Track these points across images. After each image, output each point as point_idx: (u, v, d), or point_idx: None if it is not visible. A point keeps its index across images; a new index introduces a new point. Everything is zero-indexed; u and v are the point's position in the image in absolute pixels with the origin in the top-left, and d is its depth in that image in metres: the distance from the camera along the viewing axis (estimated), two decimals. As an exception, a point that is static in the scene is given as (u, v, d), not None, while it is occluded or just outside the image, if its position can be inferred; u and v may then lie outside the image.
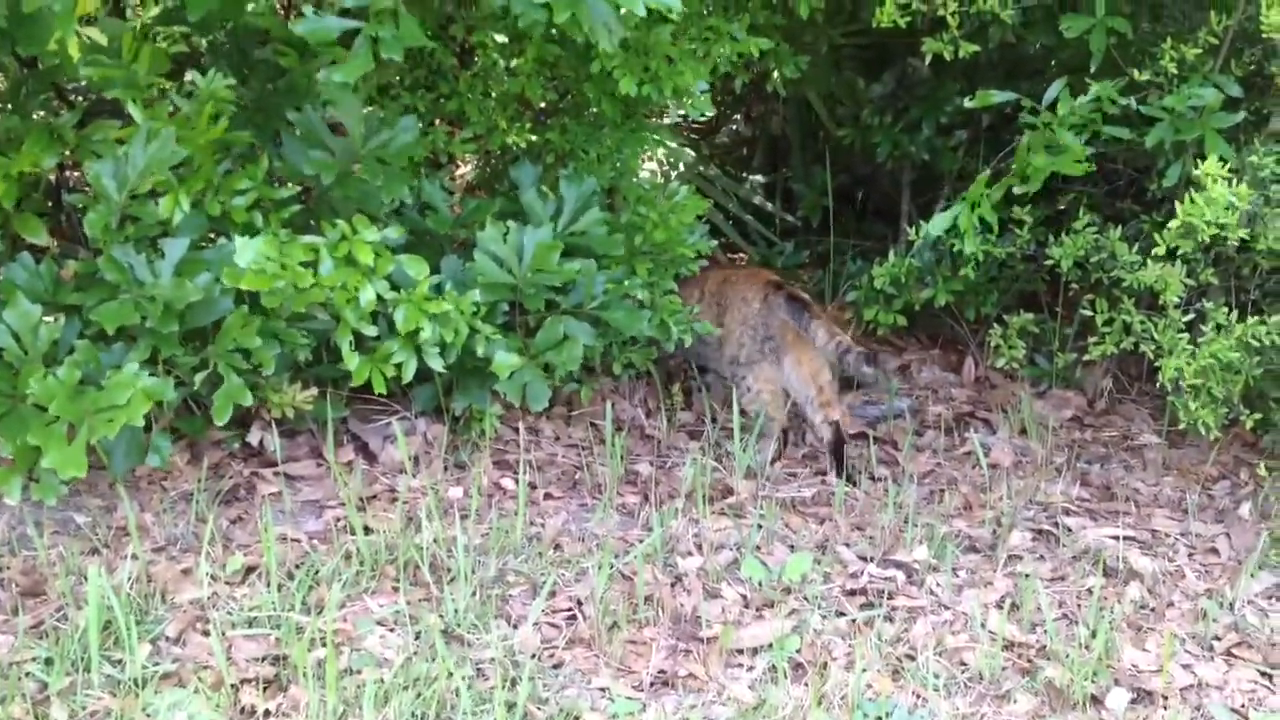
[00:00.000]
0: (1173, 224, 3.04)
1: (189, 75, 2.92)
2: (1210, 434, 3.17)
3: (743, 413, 3.36)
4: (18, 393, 2.64)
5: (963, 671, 2.54)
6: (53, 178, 3.31)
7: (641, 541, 2.87)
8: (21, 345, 2.67)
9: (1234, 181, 2.97)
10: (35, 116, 3.01)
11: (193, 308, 2.77)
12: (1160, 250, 3.13)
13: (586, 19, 2.46)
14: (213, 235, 2.96)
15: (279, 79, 3.15)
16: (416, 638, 2.49)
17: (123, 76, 2.81)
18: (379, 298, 2.88)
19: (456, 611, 2.57)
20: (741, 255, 4.59)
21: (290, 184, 3.00)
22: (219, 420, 2.81)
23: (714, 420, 3.47)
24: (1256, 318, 3.08)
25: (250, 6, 3.05)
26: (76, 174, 3.86)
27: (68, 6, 2.39)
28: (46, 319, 2.71)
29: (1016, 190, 3.34)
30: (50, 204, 3.31)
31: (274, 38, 3.20)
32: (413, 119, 3.05)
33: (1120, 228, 3.37)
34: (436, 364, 2.97)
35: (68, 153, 2.95)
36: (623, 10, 2.47)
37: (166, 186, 2.81)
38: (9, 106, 3.02)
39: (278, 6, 3.66)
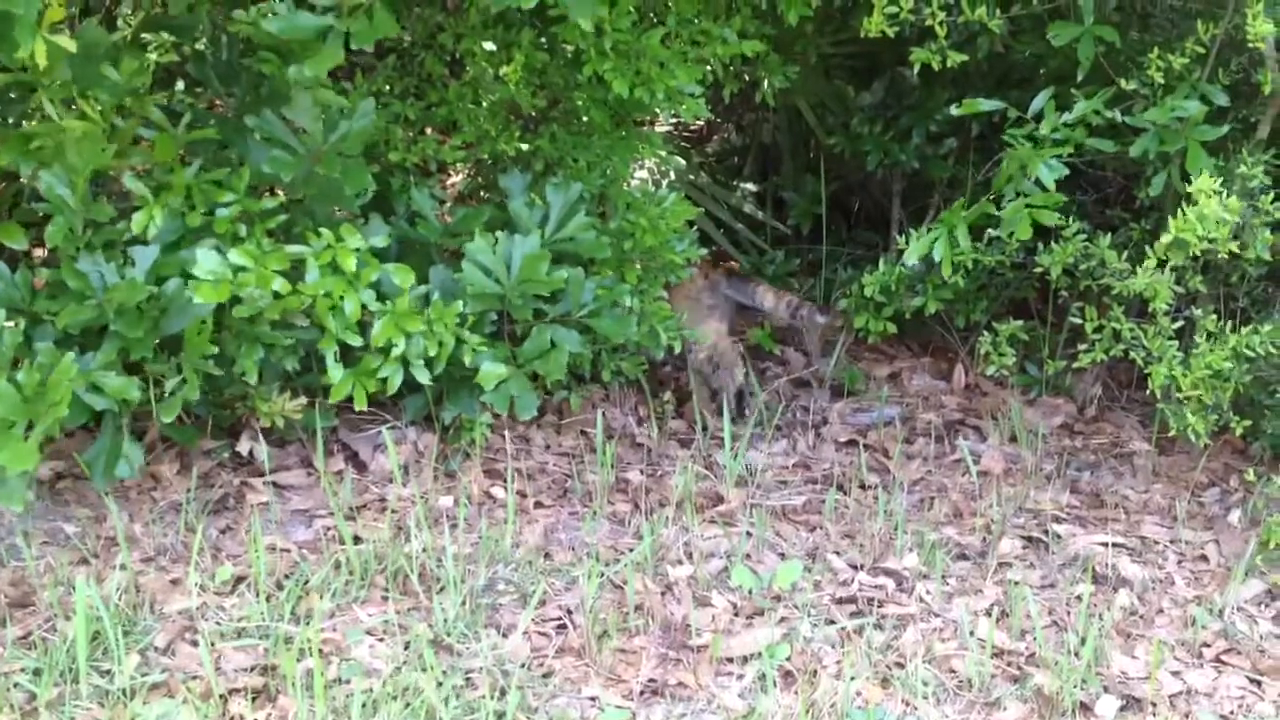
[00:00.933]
0: (1164, 239, 3.05)
1: (180, 85, 2.91)
2: (1200, 441, 3.18)
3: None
4: None
5: (952, 679, 2.54)
6: (40, 186, 3.29)
7: (631, 550, 2.87)
8: None
9: (1225, 194, 2.98)
10: (25, 124, 3.01)
11: (166, 313, 2.76)
12: (1151, 263, 3.14)
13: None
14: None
15: (260, 87, 3.15)
16: (406, 647, 2.49)
17: (33, 82, 2.78)
18: (364, 308, 2.88)
19: (446, 621, 2.56)
20: (733, 263, 4.59)
21: (276, 193, 2.99)
22: (165, 417, 2.79)
23: (704, 429, 3.48)
24: (1249, 327, 3.09)
25: (238, 13, 3.04)
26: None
27: (31, 13, 2.37)
28: (8, 324, 2.70)
29: (995, 233, 3.36)
30: (41, 215, 3.30)
31: (259, 44, 3.20)
32: (371, 102, 2.99)
33: (1109, 235, 3.38)
34: (423, 376, 2.97)
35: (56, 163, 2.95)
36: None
37: (141, 201, 2.80)
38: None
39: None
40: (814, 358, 3.87)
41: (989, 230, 3.41)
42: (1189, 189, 3.02)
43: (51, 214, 2.81)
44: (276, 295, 2.77)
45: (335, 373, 2.90)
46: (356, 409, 2.97)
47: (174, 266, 2.78)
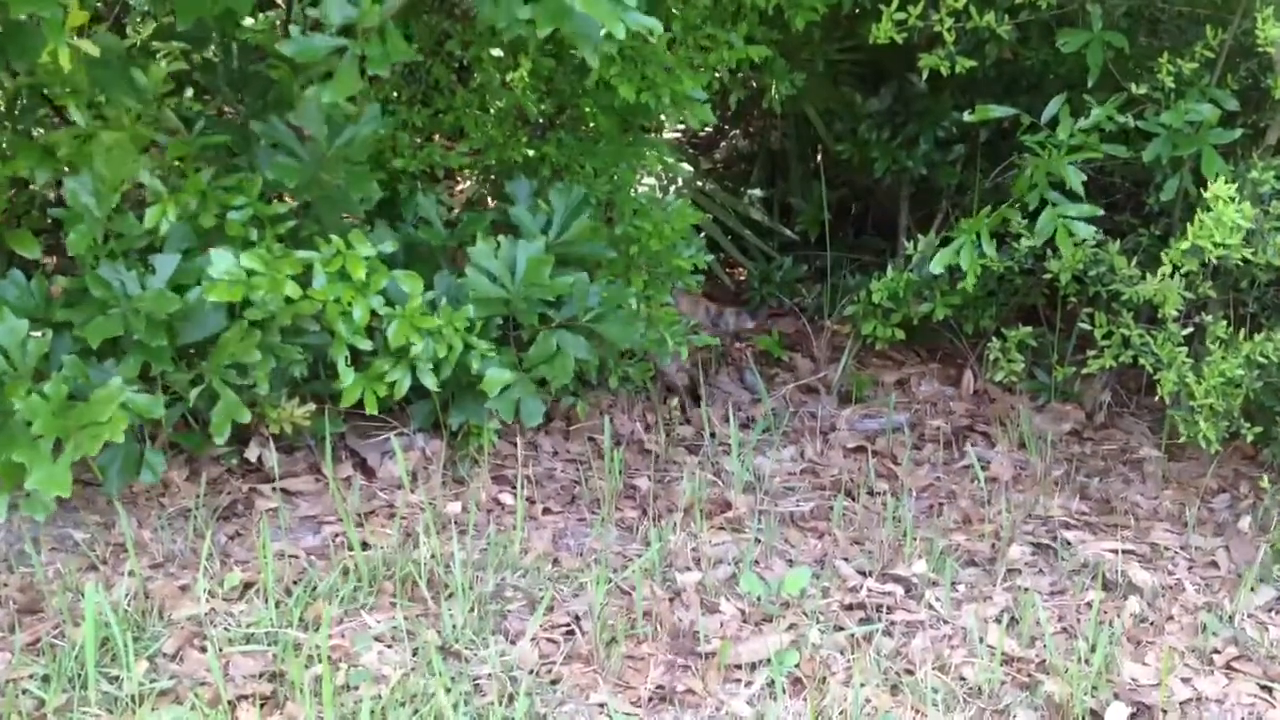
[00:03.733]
0: (1182, 245, 3.04)
1: (189, 92, 2.93)
2: (1211, 448, 3.17)
3: None
4: (5, 408, 2.63)
5: (961, 686, 2.53)
6: (51, 194, 3.31)
7: (640, 556, 2.86)
8: (10, 361, 2.66)
9: (1237, 200, 2.97)
10: (35, 131, 3.02)
11: (185, 323, 2.77)
12: (1166, 269, 3.14)
13: (571, 32, 2.45)
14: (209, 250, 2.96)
15: (269, 93, 3.16)
16: (414, 654, 2.49)
17: (62, 80, 2.80)
18: (373, 313, 2.88)
19: (454, 627, 2.56)
20: (740, 269, 4.59)
21: (285, 198, 3.00)
22: (218, 439, 2.82)
23: (713, 435, 3.47)
24: (1262, 334, 3.08)
25: (248, 21, 3.06)
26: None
27: (57, 15, 2.39)
28: (34, 334, 2.70)
29: (1026, 243, 3.36)
30: (49, 220, 3.31)
31: (268, 52, 3.21)
32: (377, 108, 3.00)
33: (1119, 241, 3.38)
34: (430, 381, 2.97)
35: (67, 169, 2.96)
36: (604, 30, 2.47)
37: (156, 197, 2.81)
38: (4, 122, 3.02)
39: (277, 22, 3.67)
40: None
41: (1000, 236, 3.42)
42: (1204, 194, 3.01)
43: (64, 222, 2.82)
44: (288, 300, 2.78)
45: (348, 375, 2.91)
46: (367, 413, 2.97)
47: (192, 275, 2.79)
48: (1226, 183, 2.98)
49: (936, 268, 3.36)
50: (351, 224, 3.03)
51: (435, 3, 3.37)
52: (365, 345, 2.90)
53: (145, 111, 2.86)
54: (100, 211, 2.77)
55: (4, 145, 2.90)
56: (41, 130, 3.11)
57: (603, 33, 2.38)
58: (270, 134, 2.96)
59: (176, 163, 2.88)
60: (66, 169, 2.94)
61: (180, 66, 3.24)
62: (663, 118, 3.72)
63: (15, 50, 2.57)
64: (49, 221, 3.28)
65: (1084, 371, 3.55)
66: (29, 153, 2.84)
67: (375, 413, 2.98)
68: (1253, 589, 2.90)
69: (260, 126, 2.97)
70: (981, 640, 2.65)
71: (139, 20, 4.01)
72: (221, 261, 2.74)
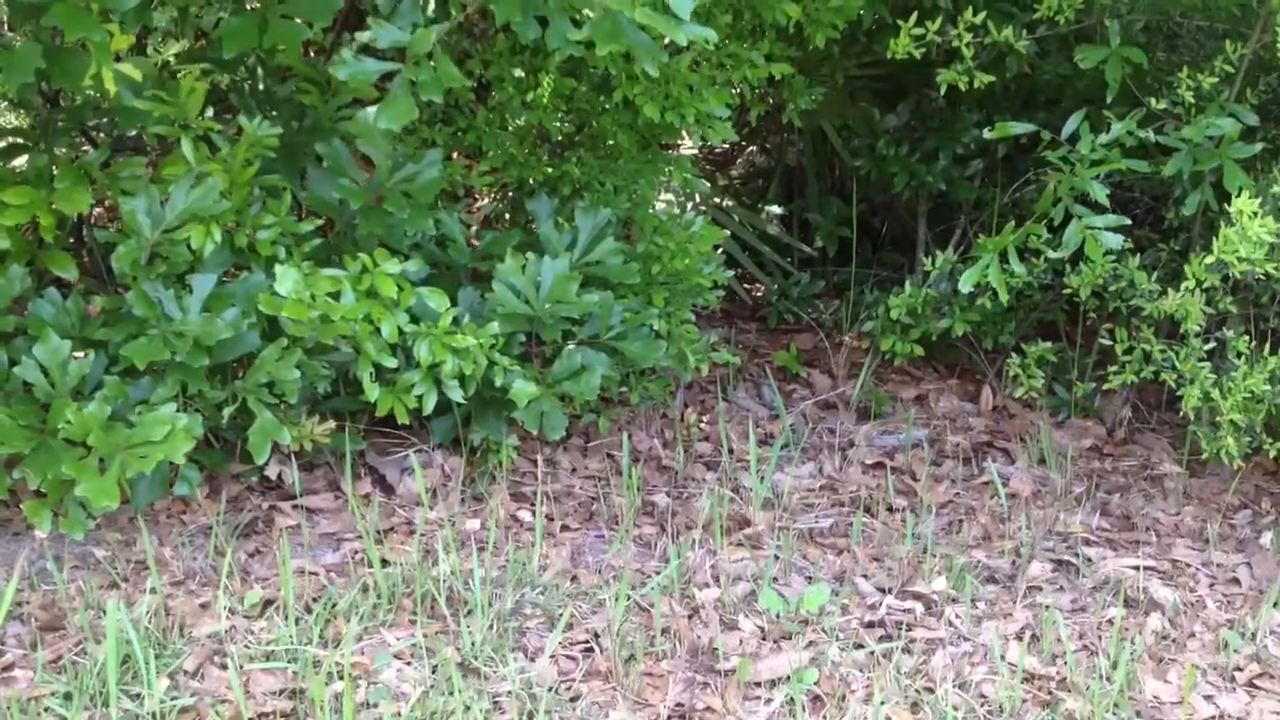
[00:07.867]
0: (1207, 259, 3.04)
1: (209, 112, 2.95)
2: (1234, 463, 3.15)
3: None
4: (47, 427, 2.65)
5: (982, 704, 2.52)
6: (76, 214, 3.33)
7: (658, 573, 2.86)
8: (50, 380, 2.69)
9: (1260, 214, 2.97)
10: (58, 154, 3.04)
11: (221, 343, 2.79)
12: (1190, 284, 3.13)
13: (630, 46, 2.45)
14: (235, 269, 2.98)
15: (302, 117, 3.19)
16: (433, 670, 2.49)
17: (179, 114, 2.86)
18: (399, 330, 2.90)
19: (474, 644, 2.56)
20: (758, 286, 4.60)
21: (312, 218, 3.03)
22: (258, 459, 2.84)
23: (731, 451, 3.47)
24: (1287, 348, 3.08)
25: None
26: (99, 210, 3.89)
27: (106, 40, 2.42)
28: (76, 354, 2.73)
29: (1053, 254, 3.35)
30: (72, 240, 3.33)
31: (296, 75, 3.23)
32: (438, 153, 3.08)
33: (1139, 256, 3.37)
34: (456, 395, 2.99)
35: (90, 188, 2.98)
36: (667, 40, 2.47)
37: (201, 221, 2.84)
38: (40, 145, 3.05)
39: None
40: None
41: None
42: (1227, 209, 3.01)
43: (111, 240, 2.84)
44: (325, 319, 2.80)
45: (373, 391, 2.92)
46: (389, 430, 2.98)
47: (226, 297, 2.81)
48: (1250, 197, 2.97)
49: (965, 286, 3.35)
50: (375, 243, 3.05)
51: (456, 23, 3.39)
52: (390, 362, 2.92)
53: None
54: (152, 234, 2.80)
55: (38, 170, 2.92)
56: (65, 150, 3.14)
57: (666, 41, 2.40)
58: (332, 155, 3.02)
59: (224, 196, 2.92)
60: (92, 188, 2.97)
61: (203, 86, 3.27)
62: (683, 134, 3.72)
63: (60, 75, 2.59)
64: (70, 240, 3.31)
65: (1104, 387, 3.53)
66: (71, 176, 2.86)
67: (405, 423, 3.00)
68: (1275, 605, 2.88)
69: (324, 148, 3.02)
70: (1002, 658, 2.64)
71: (160, 40, 4.05)
72: (286, 278, 2.76)
